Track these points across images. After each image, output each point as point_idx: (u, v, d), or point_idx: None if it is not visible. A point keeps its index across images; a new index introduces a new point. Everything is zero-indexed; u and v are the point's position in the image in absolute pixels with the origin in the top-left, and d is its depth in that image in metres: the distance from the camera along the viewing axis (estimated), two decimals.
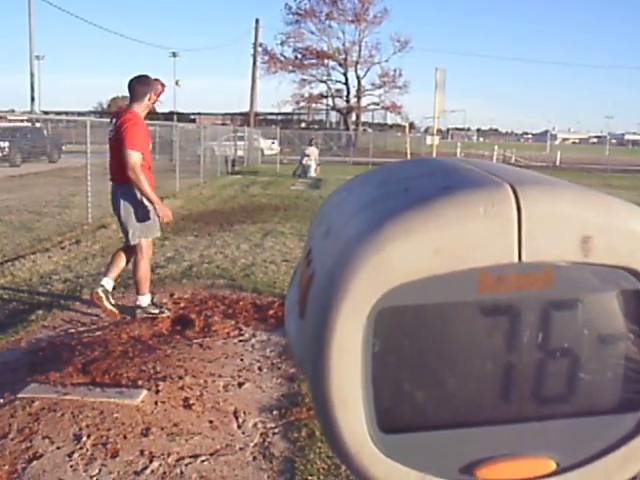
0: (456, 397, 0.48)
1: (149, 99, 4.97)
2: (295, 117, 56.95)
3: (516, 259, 0.46)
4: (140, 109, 4.97)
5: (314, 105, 54.42)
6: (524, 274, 0.46)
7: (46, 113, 36.61)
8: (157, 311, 5.22)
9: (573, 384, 0.49)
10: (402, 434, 0.48)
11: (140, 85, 4.97)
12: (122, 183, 4.92)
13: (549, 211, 0.46)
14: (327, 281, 0.46)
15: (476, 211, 0.45)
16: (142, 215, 5.01)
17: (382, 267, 0.45)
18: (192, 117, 54.38)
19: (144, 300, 5.21)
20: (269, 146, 34.01)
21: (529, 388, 0.48)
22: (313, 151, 22.40)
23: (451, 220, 0.45)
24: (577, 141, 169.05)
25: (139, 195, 4.93)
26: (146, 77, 5.01)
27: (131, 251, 5.17)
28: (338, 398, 0.47)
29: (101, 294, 5.00)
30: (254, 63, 45.90)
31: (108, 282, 5.11)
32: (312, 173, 21.89)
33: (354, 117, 52.20)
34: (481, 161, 0.58)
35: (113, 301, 5.10)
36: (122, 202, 4.99)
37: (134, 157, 4.77)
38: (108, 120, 5.83)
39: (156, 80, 5.08)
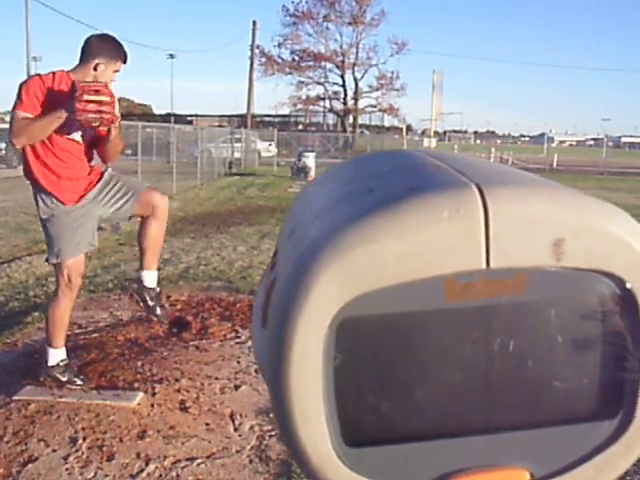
0: (424, 408, 0.46)
1: (95, 67, 3.47)
2: (292, 119, 56.89)
3: (484, 265, 0.44)
4: (78, 75, 3.46)
5: (311, 107, 54.38)
6: (493, 280, 0.44)
7: None
8: (65, 379, 3.69)
9: (547, 392, 0.47)
10: (368, 447, 0.46)
11: (87, 44, 3.52)
12: (27, 179, 3.54)
13: (518, 213, 0.44)
14: (286, 288, 0.44)
15: (440, 215, 0.43)
16: (54, 224, 3.55)
17: (343, 275, 0.43)
18: (189, 119, 54.33)
19: (53, 356, 3.67)
20: (266, 148, 34.00)
21: (501, 397, 0.47)
22: (310, 156, 22.56)
23: (415, 225, 0.43)
24: (574, 143, 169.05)
25: (46, 191, 3.49)
26: (102, 37, 3.60)
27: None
28: (299, 411, 0.45)
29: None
30: (251, 65, 45.88)
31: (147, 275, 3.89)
32: (310, 175, 21.94)
33: (351, 119, 52.18)
34: (451, 155, 0.56)
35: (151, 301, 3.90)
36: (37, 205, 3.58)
37: (15, 118, 3.32)
38: None
39: (113, 45, 3.57)
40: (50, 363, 3.67)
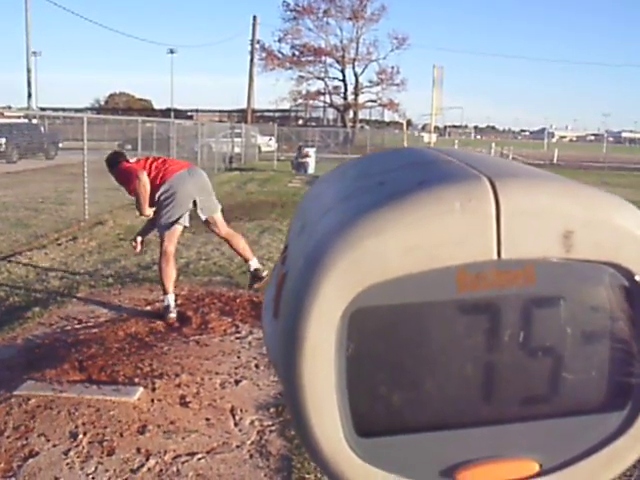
0: (435, 399, 0.47)
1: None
2: (292, 114, 56.83)
3: (495, 256, 0.44)
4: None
5: (311, 102, 54.30)
6: (504, 271, 0.45)
7: (43, 109, 36.55)
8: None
9: (556, 384, 0.47)
10: (379, 437, 0.47)
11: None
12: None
13: (529, 205, 0.44)
14: (298, 281, 0.45)
15: (452, 206, 0.43)
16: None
17: (355, 267, 0.43)
18: (189, 114, 54.30)
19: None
20: (266, 143, 33.99)
21: (511, 388, 0.47)
22: (309, 151, 22.65)
23: (426, 216, 0.43)
24: (574, 139, 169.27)
25: None
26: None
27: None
28: (312, 401, 0.45)
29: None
30: (251, 60, 45.82)
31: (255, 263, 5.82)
32: (310, 170, 21.96)
33: (351, 114, 52.08)
34: (462, 151, 0.56)
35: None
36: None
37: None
38: (105, 117, 6.27)
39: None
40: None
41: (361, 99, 52.18)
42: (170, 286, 5.15)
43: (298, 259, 0.47)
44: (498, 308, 0.46)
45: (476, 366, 0.46)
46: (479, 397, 0.47)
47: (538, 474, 0.48)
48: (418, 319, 0.45)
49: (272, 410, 3.57)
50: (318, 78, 51.56)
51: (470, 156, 0.53)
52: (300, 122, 54.65)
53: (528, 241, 0.44)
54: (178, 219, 5.20)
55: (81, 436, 3.18)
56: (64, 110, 41.93)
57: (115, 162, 5.41)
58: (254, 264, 5.79)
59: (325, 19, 49.77)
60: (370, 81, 51.97)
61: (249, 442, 3.24)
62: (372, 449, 0.47)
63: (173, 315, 5.10)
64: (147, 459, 3.04)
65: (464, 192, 0.44)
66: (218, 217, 5.60)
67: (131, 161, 5.46)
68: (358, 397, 0.46)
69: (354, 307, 0.44)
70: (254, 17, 45.47)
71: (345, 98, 51.73)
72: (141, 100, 72.82)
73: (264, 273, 5.74)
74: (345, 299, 0.44)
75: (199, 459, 3.07)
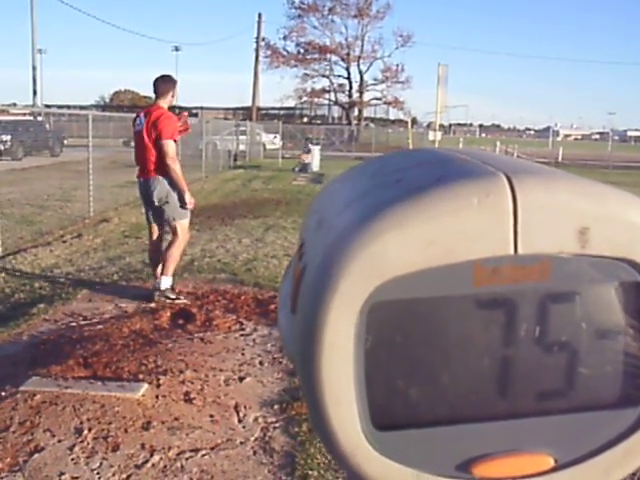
0: (452, 393, 0.47)
1: (172, 95, 5.57)
2: (297, 112, 56.76)
3: (512, 251, 0.45)
4: (165, 104, 5.52)
5: (316, 100, 54.24)
6: (520, 266, 0.45)
7: (48, 107, 36.59)
8: (174, 297, 5.43)
9: (571, 379, 0.48)
10: (396, 431, 0.47)
11: (164, 83, 5.51)
12: (156, 175, 5.37)
13: (545, 201, 0.45)
14: (317, 275, 0.45)
15: (470, 202, 0.44)
16: (177, 200, 5.46)
17: (374, 260, 0.44)
18: (194, 111, 54.23)
19: (165, 282, 5.46)
20: (271, 141, 33.97)
21: (526, 383, 0.47)
22: (315, 149, 22.55)
23: (445, 211, 0.44)
24: (579, 137, 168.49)
25: (170, 183, 5.42)
26: (169, 76, 5.67)
27: (162, 237, 5.73)
28: (330, 395, 0.46)
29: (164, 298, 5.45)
30: (256, 57, 45.86)
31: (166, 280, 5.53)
32: (313, 168, 21.89)
33: (356, 112, 52.03)
34: (476, 151, 0.57)
35: (173, 296, 5.49)
36: (157, 191, 5.38)
37: (171, 146, 5.31)
38: (110, 114, 6.24)
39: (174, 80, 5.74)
40: (162, 287, 5.41)
41: (366, 97, 52.13)
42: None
43: (317, 254, 0.47)
44: (514, 303, 0.46)
45: (492, 360, 0.47)
46: (495, 391, 0.47)
47: (553, 469, 0.49)
48: (435, 313, 0.46)
49: (276, 407, 3.58)
50: (323, 76, 51.55)
51: (485, 155, 0.53)
52: (305, 120, 54.58)
53: (544, 237, 0.45)
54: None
55: (86, 432, 3.20)
56: (69, 107, 41.99)
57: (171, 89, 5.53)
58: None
59: (330, 17, 49.76)
60: (375, 79, 51.95)
61: (253, 439, 3.25)
62: (389, 442, 0.47)
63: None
64: (151, 455, 3.05)
65: (482, 188, 0.45)
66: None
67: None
68: (376, 390, 0.46)
69: (373, 301, 0.45)
70: (259, 15, 45.54)
71: (350, 96, 51.67)
72: (146, 97, 72.79)
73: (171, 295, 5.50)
74: (364, 293, 0.44)
75: (203, 455, 3.08)
